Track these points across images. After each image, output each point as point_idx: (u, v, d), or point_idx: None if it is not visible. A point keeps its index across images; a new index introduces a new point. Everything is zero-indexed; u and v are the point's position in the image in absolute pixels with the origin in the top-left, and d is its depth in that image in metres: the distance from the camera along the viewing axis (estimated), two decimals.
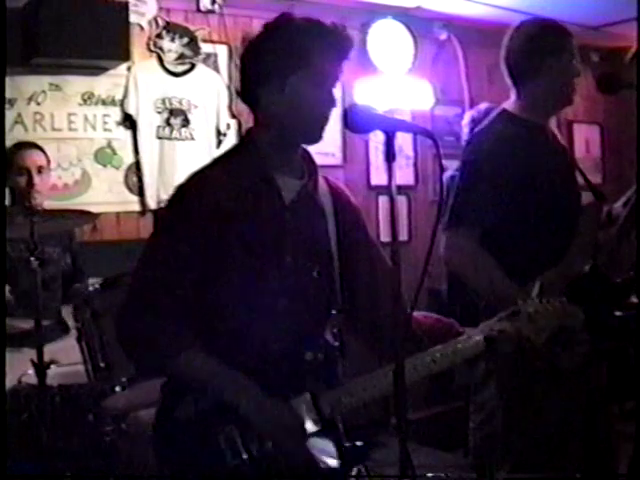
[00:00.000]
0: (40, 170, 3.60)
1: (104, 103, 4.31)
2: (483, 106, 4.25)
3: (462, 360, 1.92)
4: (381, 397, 1.88)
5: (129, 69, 4.33)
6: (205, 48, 4.61)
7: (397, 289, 1.62)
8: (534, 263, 2.49)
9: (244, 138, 2.06)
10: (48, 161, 3.69)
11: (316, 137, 1.95)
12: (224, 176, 1.92)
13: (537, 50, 2.59)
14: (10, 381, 3.03)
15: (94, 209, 3.67)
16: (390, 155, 1.61)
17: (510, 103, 2.68)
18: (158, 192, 4.42)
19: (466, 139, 4.26)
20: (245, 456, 1.80)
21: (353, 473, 1.93)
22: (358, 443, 1.85)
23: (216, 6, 4.61)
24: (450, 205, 2.57)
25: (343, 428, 1.86)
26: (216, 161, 2.03)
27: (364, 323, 2.04)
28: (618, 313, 2.53)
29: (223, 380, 1.83)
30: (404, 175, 5.37)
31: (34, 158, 3.61)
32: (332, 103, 1.93)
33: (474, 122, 4.12)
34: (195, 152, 4.53)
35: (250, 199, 1.90)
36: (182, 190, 1.94)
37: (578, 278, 2.47)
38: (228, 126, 4.68)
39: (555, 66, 2.59)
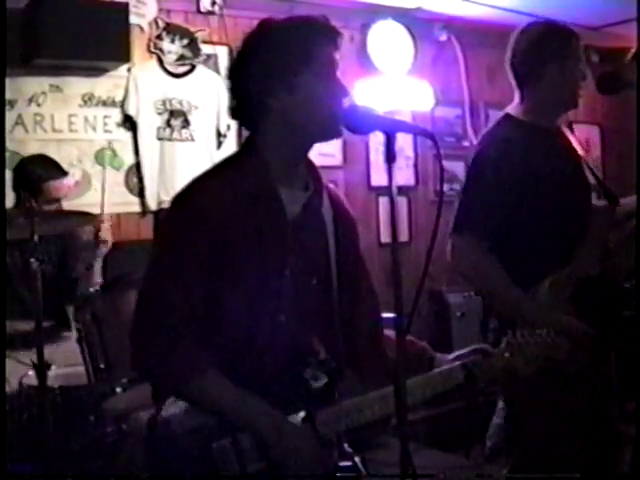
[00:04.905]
0: (67, 194, 3.68)
1: (104, 104, 4.31)
2: None
3: (440, 392, 1.92)
4: (379, 419, 1.85)
5: (129, 70, 4.33)
6: (205, 49, 4.60)
7: (399, 293, 1.60)
8: (542, 266, 2.48)
9: (246, 147, 1.98)
10: (75, 182, 3.83)
11: (336, 130, 1.88)
12: (226, 188, 1.86)
13: (541, 54, 2.56)
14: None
15: (94, 210, 3.68)
16: (390, 156, 1.61)
17: (513, 107, 2.65)
18: (158, 193, 4.42)
19: None
20: (238, 470, 1.76)
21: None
22: (347, 463, 1.80)
23: (216, 7, 4.62)
24: (455, 210, 2.56)
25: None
26: (217, 170, 1.95)
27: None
28: (627, 313, 2.53)
29: (241, 406, 1.79)
30: (404, 176, 5.36)
31: (63, 188, 3.68)
32: (344, 92, 1.88)
33: None
34: (195, 153, 4.53)
35: (253, 214, 1.85)
36: (183, 201, 1.88)
37: (585, 282, 2.46)
38: (228, 127, 4.67)
39: (559, 70, 2.55)
